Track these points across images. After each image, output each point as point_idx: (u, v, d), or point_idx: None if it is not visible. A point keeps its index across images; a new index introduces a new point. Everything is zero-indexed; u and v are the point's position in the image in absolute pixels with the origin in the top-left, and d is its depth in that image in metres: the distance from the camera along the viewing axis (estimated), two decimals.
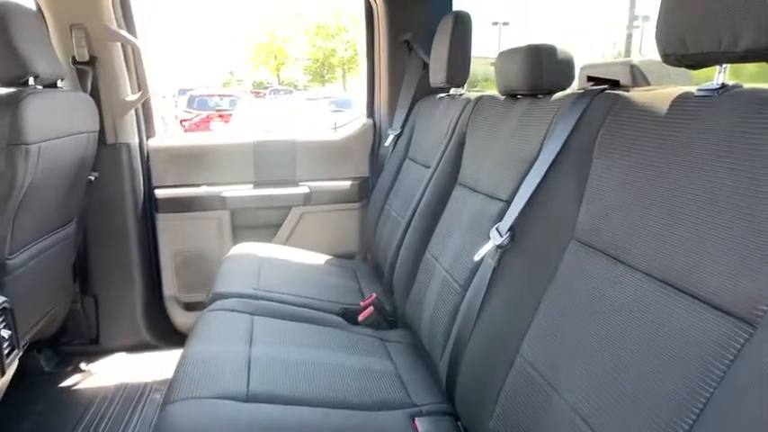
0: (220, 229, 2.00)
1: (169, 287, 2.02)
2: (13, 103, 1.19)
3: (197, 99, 11.09)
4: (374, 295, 1.49)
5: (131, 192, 1.88)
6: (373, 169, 2.10)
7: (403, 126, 1.93)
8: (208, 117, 10.58)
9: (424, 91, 1.86)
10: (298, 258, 1.83)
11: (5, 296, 1.31)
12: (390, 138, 1.95)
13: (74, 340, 1.92)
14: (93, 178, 1.76)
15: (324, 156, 2.08)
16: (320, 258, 1.89)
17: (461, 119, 1.42)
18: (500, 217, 1.00)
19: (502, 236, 0.94)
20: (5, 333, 1.18)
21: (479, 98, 1.39)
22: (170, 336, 2.02)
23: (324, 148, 2.09)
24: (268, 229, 2.05)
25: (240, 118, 7.66)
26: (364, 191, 2.10)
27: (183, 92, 19.03)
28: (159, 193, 1.94)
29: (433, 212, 1.38)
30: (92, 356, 1.91)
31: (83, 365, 1.84)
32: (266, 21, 28.75)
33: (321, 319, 1.38)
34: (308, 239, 2.04)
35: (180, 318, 2.03)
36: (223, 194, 1.96)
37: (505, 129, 1.17)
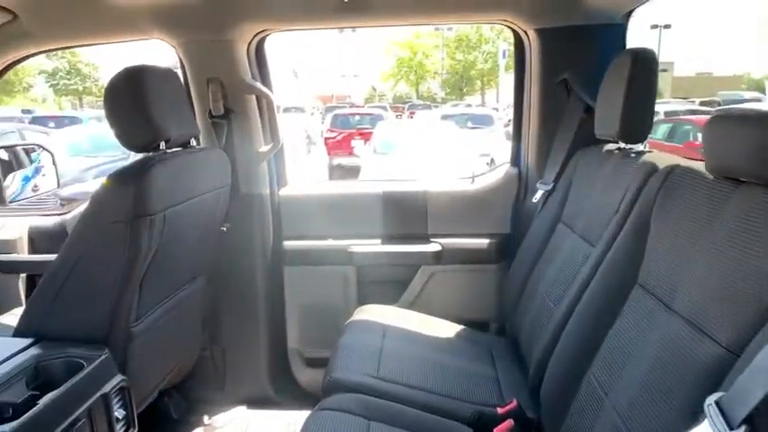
0: (346, 284, 1.88)
1: (293, 340, 1.95)
2: (137, 176, 1.16)
3: (340, 118, 11.62)
4: (514, 403, 1.22)
5: (261, 242, 1.84)
6: (516, 226, 1.82)
7: (556, 180, 1.62)
8: (349, 135, 10.99)
9: (586, 140, 1.52)
10: (426, 329, 1.63)
11: (135, 360, 1.30)
12: (540, 193, 1.66)
13: (201, 386, 1.93)
14: (225, 229, 1.75)
15: (459, 209, 1.85)
16: (450, 329, 1.66)
17: (644, 193, 1.08)
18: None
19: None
20: (120, 413, 1.15)
21: (672, 169, 1.02)
22: (291, 391, 1.94)
23: (459, 200, 1.86)
24: (395, 287, 1.88)
25: (378, 139, 7.71)
26: (504, 251, 1.82)
27: (329, 109, 20.30)
28: (288, 244, 1.88)
29: (603, 314, 1.05)
30: (217, 405, 1.90)
31: (206, 419, 1.82)
32: (406, 36, 29.43)
33: (448, 429, 1.15)
34: (438, 302, 1.82)
35: (301, 374, 1.95)
36: (350, 249, 1.84)
37: (720, 226, 0.83)
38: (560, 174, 1.61)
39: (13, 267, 1.88)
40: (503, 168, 1.90)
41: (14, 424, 0.88)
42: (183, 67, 1.70)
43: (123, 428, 1.16)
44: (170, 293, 1.46)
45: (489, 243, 1.82)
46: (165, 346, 1.53)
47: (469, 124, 10.84)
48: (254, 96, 1.75)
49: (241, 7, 1.59)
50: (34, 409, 0.94)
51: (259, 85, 1.72)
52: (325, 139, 10.62)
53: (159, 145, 1.28)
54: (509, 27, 1.71)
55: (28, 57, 1.79)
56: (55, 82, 28.07)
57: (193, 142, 1.48)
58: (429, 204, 1.84)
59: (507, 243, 1.82)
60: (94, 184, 6.43)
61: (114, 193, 1.18)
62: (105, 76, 28.97)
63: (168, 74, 1.38)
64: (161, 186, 1.20)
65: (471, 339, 1.64)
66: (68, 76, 28.03)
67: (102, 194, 1.19)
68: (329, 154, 9.90)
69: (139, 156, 1.27)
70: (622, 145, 1.31)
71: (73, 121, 12.50)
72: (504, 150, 8.25)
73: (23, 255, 1.92)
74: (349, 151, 10.13)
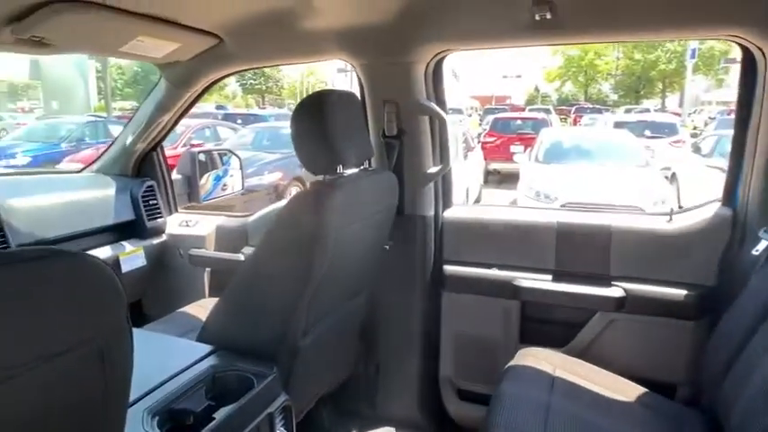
0: (508, 319, 1.74)
1: (446, 368, 1.87)
2: (316, 199, 1.19)
3: (500, 122, 11.27)
4: None
5: (421, 264, 1.80)
6: (725, 279, 1.51)
7: None
8: (509, 139, 10.62)
9: None
10: (599, 385, 1.42)
11: (298, 374, 1.33)
12: (765, 244, 1.35)
13: (353, 399, 1.95)
14: (387, 247, 1.74)
15: (650, 250, 1.60)
16: (628, 389, 1.43)
17: None
18: None
19: None
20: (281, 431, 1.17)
21: None
22: (440, 421, 1.87)
23: (651, 241, 1.60)
24: (564, 329, 1.69)
25: (542, 147, 7.25)
26: (705, 306, 1.52)
27: (488, 111, 19.91)
28: (448, 269, 1.80)
29: None
30: (366, 420, 1.91)
31: None
32: None
33: None
34: (615, 354, 1.60)
35: (453, 405, 1.87)
36: (516, 282, 1.69)
37: None
38: None
39: (202, 261, 2.09)
40: (711, 207, 1.59)
41: None
42: (361, 87, 1.72)
43: None
44: (334, 309, 1.48)
45: (686, 295, 1.53)
46: (326, 361, 1.56)
47: (647, 133, 9.68)
48: (426, 117, 1.70)
49: (425, 29, 1.54)
50: (212, 423, 0.99)
51: (433, 105, 1.67)
52: (483, 143, 10.40)
53: (337, 168, 1.30)
54: (738, 43, 1.42)
55: (229, 75, 1.97)
56: (243, 81, 31.83)
57: (366, 162, 1.49)
58: (613, 242, 1.62)
59: (711, 298, 1.52)
60: (271, 178, 7.06)
61: (294, 217, 1.22)
62: (285, 77, 32.10)
63: (350, 98, 1.40)
64: (337, 210, 1.22)
65: (654, 407, 1.40)
66: (254, 77, 31.58)
67: (282, 216, 1.24)
68: (486, 158, 9.67)
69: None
70: None
71: (257, 118, 14.02)
72: (689, 165, 7.31)
73: (210, 251, 2.12)
74: (507, 157, 9.79)
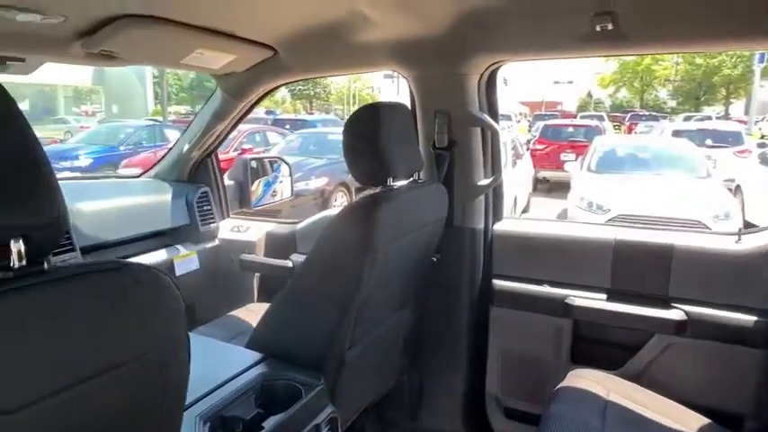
0: (559, 338, 1.68)
1: (492, 384, 1.83)
2: (366, 214, 1.19)
3: (551, 129, 10.99)
4: None
5: (470, 277, 1.76)
6: None
7: None
8: (559, 147, 10.36)
9: None
10: (656, 413, 1.35)
11: (344, 385, 1.34)
12: None
13: (396, 409, 1.94)
14: (435, 259, 1.72)
15: (715, 272, 1.50)
16: (689, 419, 1.35)
17: None
18: None
19: None
20: None
21: None
22: None
23: (716, 262, 1.51)
24: (619, 351, 1.62)
25: (596, 155, 7.01)
26: None
27: (538, 117, 19.49)
28: (497, 283, 1.76)
29: None
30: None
31: None
32: None
33: None
34: (673, 380, 1.51)
35: (498, 422, 1.82)
36: (568, 300, 1.64)
37: None
38: None
39: (252, 267, 2.14)
40: None
41: None
42: (412, 97, 1.71)
43: None
44: (381, 321, 1.47)
45: (756, 321, 1.44)
46: (371, 372, 1.56)
47: (709, 142, 9.20)
48: (478, 128, 1.67)
49: (479, 41, 1.52)
50: None
51: (486, 117, 1.64)
52: (532, 150, 10.19)
53: (388, 181, 1.30)
54: None
55: (281, 85, 2.01)
56: (293, 87, 32.49)
57: (416, 174, 1.48)
58: (675, 262, 1.53)
59: None
60: (317, 183, 7.15)
61: (344, 230, 1.22)
62: (332, 83, 32.58)
63: (401, 109, 1.39)
64: (386, 225, 1.21)
65: None
66: (303, 84, 32.18)
67: (331, 229, 1.24)
68: (535, 166, 9.46)
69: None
70: None
71: (305, 124, 14.29)
72: (756, 177, 6.88)
73: (260, 257, 2.16)
74: (557, 165, 9.55)
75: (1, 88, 0.55)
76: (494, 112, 1.69)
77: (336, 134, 9.35)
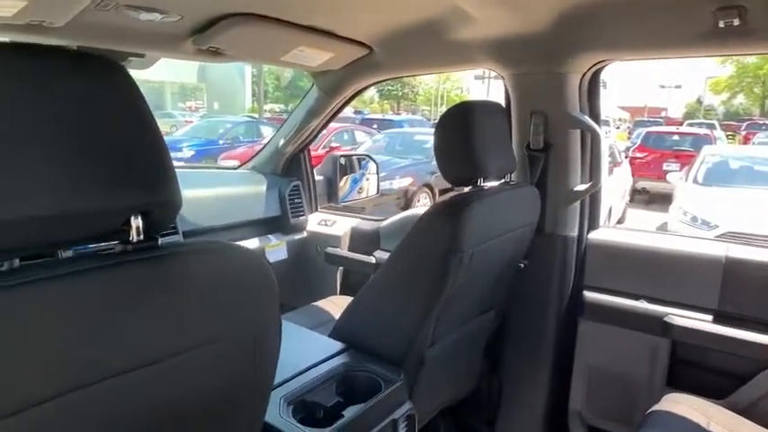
0: (654, 359, 1.56)
1: (575, 400, 1.74)
2: (455, 214, 1.16)
3: (653, 137, 10.23)
4: None
5: (559, 287, 1.68)
6: None
7: None
8: (662, 155, 9.65)
9: None
10: None
11: (422, 384, 1.33)
12: None
13: (472, 414, 1.90)
14: (522, 265, 1.66)
15: None
16: None
17: None
18: None
19: None
20: None
21: None
22: None
23: None
24: (724, 380, 1.47)
25: (705, 166, 6.42)
26: None
27: (638, 124, 18.27)
28: (588, 295, 1.67)
29: None
30: None
31: None
32: None
33: None
34: None
35: None
36: (668, 319, 1.51)
37: None
38: None
39: (336, 260, 2.19)
40: None
41: (325, 430, 0.97)
42: (507, 97, 1.66)
43: None
44: (463, 323, 1.45)
45: None
46: (450, 373, 1.54)
47: None
48: (577, 131, 1.59)
49: (583, 38, 1.44)
50: (341, 421, 1.01)
51: (587, 119, 1.56)
52: (632, 158, 9.56)
53: (478, 181, 1.27)
54: None
55: (375, 83, 2.04)
56: (381, 87, 32.94)
57: (508, 176, 1.43)
58: None
59: None
60: (401, 183, 7.20)
61: (431, 229, 1.21)
62: (420, 83, 32.65)
63: (495, 108, 1.35)
64: (475, 225, 1.18)
65: None
66: (392, 84, 32.52)
67: (419, 228, 1.23)
68: (633, 175, 8.88)
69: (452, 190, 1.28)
70: None
71: (392, 124, 14.43)
72: None
73: (345, 251, 2.21)
74: (658, 175, 8.89)
75: (130, 79, 0.60)
76: (595, 114, 1.60)
77: (422, 134, 9.36)
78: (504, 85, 1.66)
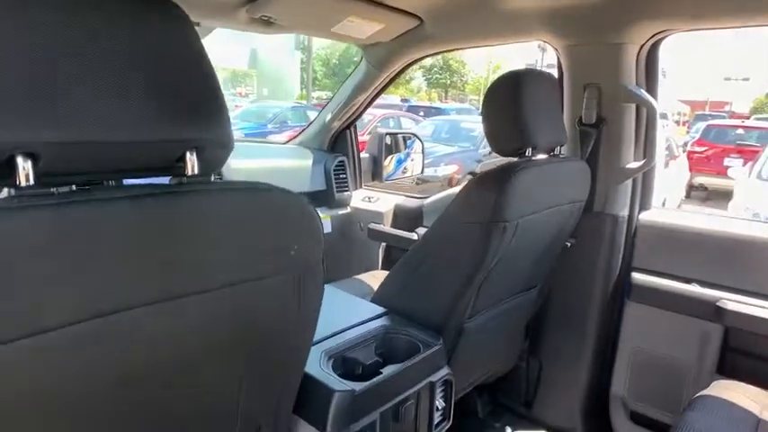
0: (704, 345, 1.50)
1: (618, 384, 1.69)
2: (500, 181, 1.14)
3: (714, 131, 9.68)
4: None
5: (605, 267, 1.64)
6: None
7: None
8: (723, 150, 9.14)
9: None
10: None
11: (460, 354, 1.33)
12: None
13: (510, 395, 1.88)
14: (569, 244, 1.62)
15: None
16: None
17: None
18: None
19: None
20: (440, 404, 1.17)
21: None
22: None
23: None
24: None
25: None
26: None
27: (699, 117, 17.34)
28: (636, 277, 1.62)
29: None
30: (520, 419, 1.83)
31: (509, 430, 1.77)
32: None
33: None
34: None
35: (623, 426, 1.68)
36: (721, 304, 1.45)
37: None
38: None
39: (379, 236, 2.20)
40: None
41: (364, 384, 0.99)
42: (560, 71, 1.61)
43: (440, 419, 1.19)
44: (504, 298, 1.43)
45: None
46: (488, 348, 1.53)
47: None
48: (632, 105, 1.53)
49: (644, 6, 1.37)
50: (379, 377, 1.03)
51: (644, 93, 1.49)
52: (689, 152, 9.11)
53: (526, 151, 1.24)
54: None
55: (425, 57, 2.02)
56: (429, 76, 32.64)
57: (557, 149, 1.40)
58: None
59: None
60: (446, 170, 7.17)
61: (476, 196, 1.19)
62: (470, 72, 32.14)
63: (548, 78, 1.32)
64: (521, 194, 1.16)
65: None
66: (440, 72, 32.17)
67: (464, 195, 1.22)
68: (691, 170, 8.47)
69: (501, 160, 1.26)
70: None
71: (438, 111, 14.30)
72: None
73: (387, 227, 2.22)
74: (718, 171, 8.45)
75: (188, 19, 0.62)
76: (653, 89, 1.53)
77: (469, 122, 9.23)
78: (557, 59, 1.62)
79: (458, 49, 1.85)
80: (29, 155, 0.51)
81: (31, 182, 0.51)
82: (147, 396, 0.65)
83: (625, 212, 1.62)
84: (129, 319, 0.56)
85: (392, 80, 2.13)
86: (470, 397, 1.87)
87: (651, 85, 1.54)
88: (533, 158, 1.27)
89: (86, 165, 0.56)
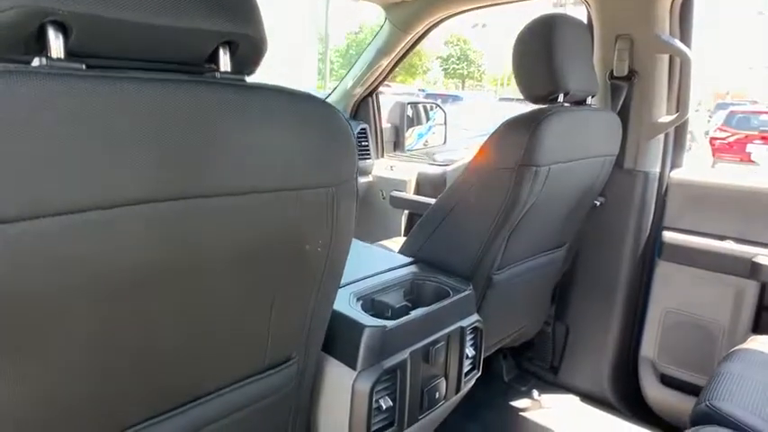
0: (739, 302, 1.47)
1: (648, 347, 1.66)
2: (532, 124, 1.12)
3: (737, 117, 9.45)
4: None
5: (636, 226, 1.61)
6: None
7: None
8: (746, 137, 8.94)
9: None
10: None
11: (487, 307, 1.31)
12: None
13: (535, 360, 1.87)
14: (598, 203, 1.59)
15: None
16: None
17: None
18: None
19: None
20: (470, 351, 1.16)
21: None
22: (634, 403, 1.68)
23: None
24: None
25: None
26: None
27: (720, 106, 16.94)
28: (668, 236, 1.58)
29: None
30: (546, 383, 1.81)
31: (536, 393, 1.75)
32: None
33: None
34: None
35: (651, 388, 1.65)
36: (756, 259, 1.41)
37: None
38: None
39: (401, 203, 2.19)
40: None
41: (394, 322, 0.97)
42: (590, 24, 1.58)
43: (470, 367, 1.17)
44: (533, 254, 1.41)
45: None
46: (515, 305, 1.51)
47: None
48: (666, 57, 1.49)
49: None
50: (407, 317, 1.02)
51: (678, 43, 1.45)
52: (712, 138, 8.92)
53: (557, 97, 1.21)
54: None
55: (449, 16, 1.98)
56: (446, 66, 32.38)
57: (589, 100, 1.37)
58: None
59: None
60: (463, 153, 7.09)
61: (506, 140, 1.17)
62: (487, 62, 31.83)
63: (579, 25, 1.28)
64: (552, 139, 1.14)
65: None
66: (458, 62, 31.88)
67: (494, 141, 1.20)
68: (713, 156, 8.30)
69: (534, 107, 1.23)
70: None
71: (455, 99, 14.17)
72: None
73: (410, 194, 2.21)
74: (741, 157, 8.28)
75: None
76: (687, 39, 1.49)
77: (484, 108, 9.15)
78: (588, 12, 1.58)
79: (483, 7, 1.81)
80: (60, 26, 0.49)
81: (62, 56, 0.50)
82: (182, 297, 0.62)
83: (656, 169, 1.58)
84: (153, 210, 0.53)
85: (416, 42, 2.10)
86: (496, 361, 1.85)
87: (686, 37, 1.50)
88: (565, 105, 1.24)
89: (118, 47, 0.54)
